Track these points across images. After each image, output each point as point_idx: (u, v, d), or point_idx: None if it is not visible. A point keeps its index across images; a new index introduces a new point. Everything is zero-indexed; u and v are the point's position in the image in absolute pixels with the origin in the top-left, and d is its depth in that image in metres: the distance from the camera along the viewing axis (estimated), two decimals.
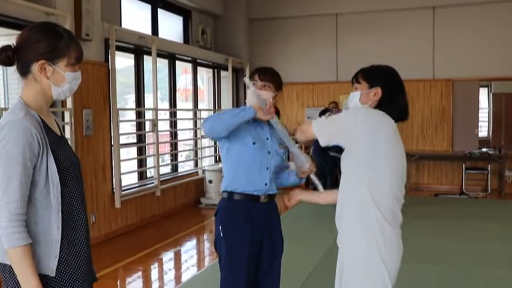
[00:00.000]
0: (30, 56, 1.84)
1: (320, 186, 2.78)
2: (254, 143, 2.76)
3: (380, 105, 2.32)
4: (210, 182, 8.60)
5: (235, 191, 2.79)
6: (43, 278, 1.77)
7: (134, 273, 5.28)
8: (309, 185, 9.35)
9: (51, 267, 1.80)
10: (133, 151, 7.79)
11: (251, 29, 11.01)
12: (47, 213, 1.81)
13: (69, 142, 5.61)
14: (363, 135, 2.20)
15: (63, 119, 5.70)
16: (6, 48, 1.85)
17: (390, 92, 2.32)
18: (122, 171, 6.66)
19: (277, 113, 2.99)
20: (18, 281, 1.77)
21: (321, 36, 10.59)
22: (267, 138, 2.85)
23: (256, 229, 2.79)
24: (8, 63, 1.86)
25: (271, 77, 2.87)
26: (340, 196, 2.36)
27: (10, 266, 1.77)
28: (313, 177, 2.86)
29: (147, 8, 8.38)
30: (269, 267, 2.86)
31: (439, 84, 10.00)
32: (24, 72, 1.88)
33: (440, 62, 9.93)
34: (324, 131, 2.31)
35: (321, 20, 10.61)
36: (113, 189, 6.59)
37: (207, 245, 6.50)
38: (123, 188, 6.71)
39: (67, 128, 5.67)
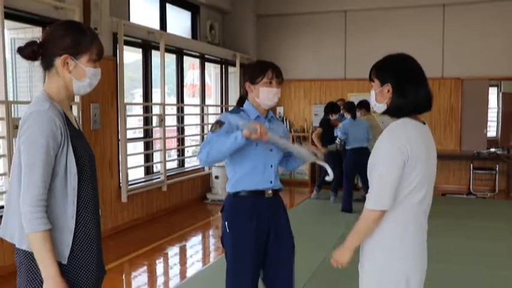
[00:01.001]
0: (55, 51, 1.93)
1: (329, 170, 2.81)
2: (257, 144, 2.76)
3: (392, 102, 2.17)
4: (217, 177, 8.60)
5: (239, 191, 2.84)
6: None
7: (140, 267, 5.29)
8: (315, 181, 9.34)
9: (64, 254, 1.87)
10: (140, 146, 7.80)
11: (259, 25, 10.98)
12: (63, 202, 1.88)
13: None
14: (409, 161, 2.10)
15: None
16: (32, 43, 1.94)
17: (400, 85, 2.15)
18: (129, 165, 6.68)
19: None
20: (32, 267, 1.85)
21: (329, 33, 10.55)
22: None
23: (261, 224, 2.81)
24: (33, 57, 1.94)
25: (281, 74, 2.91)
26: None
27: (25, 251, 1.85)
28: (321, 163, 2.87)
29: (155, 3, 8.38)
30: (276, 260, 2.88)
31: (448, 82, 9.94)
32: (48, 66, 1.96)
33: (449, 60, 9.87)
34: (384, 195, 2.09)
35: (330, 17, 10.57)
36: (119, 183, 6.60)
37: (213, 241, 6.51)
38: (129, 183, 6.72)
39: None
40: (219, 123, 2.75)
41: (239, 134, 2.57)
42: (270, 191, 2.85)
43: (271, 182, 2.84)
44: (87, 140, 2.12)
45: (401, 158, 2.08)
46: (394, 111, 2.20)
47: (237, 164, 2.83)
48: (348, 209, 7.52)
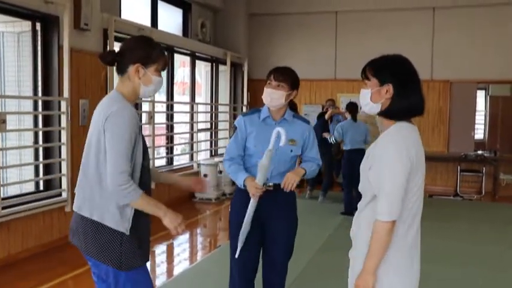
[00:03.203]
0: (129, 60, 2.34)
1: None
2: (255, 146, 3.06)
3: (393, 104, 2.10)
4: (205, 176, 8.58)
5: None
6: (119, 234, 2.29)
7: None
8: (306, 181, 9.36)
9: (125, 227, 2.30)
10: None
11: (250, 24, 10.98)
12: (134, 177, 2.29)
13: (65, 131, 5.62)
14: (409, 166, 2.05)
15: (59, 109, 5.67)
16: (112, 52, 2.41)
17: (402, 87, 2.09)
18: None
19: (294, 107, 3.21)
20: (98, 231, 2.29)
21: (320, 34, 10.58)
22: None
23: (257, 214, 3.03)
24: (111, 63, 2.38)
25: (284, 78, 3.08)
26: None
27: (93, 220, 2.29)
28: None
29: (147, 0, 8.34)
30: (271, 248, 3.16)
31: (437, 85, 10.02)
32: (122, 71, 2.37)
33: (438, 63, 9.94)
34: (395, 203, 2.01)
35: (321, 18, 10.60)
36: None
37: (200, 239, 6.50)
38: None
39: (63, 118, 5.65)
40: (234, 128, 3.12)
41: (242, 180, 3.01)
42: (268, 185, 3.06)
43: (267, 179, 3.03)
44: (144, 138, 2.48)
45: (409, 163, 2.03)
46: (393, 113, 2.13)
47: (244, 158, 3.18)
48: (349, 211, 7.16)
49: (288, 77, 3.08)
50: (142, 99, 7.59)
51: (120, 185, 2.19)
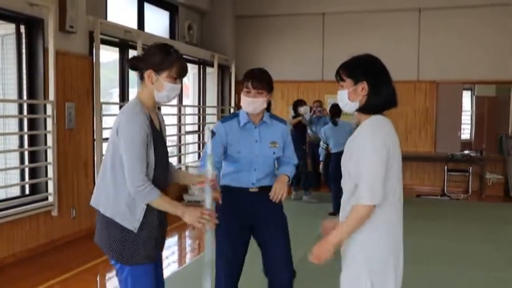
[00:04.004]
0: (144, 66, 2.45)
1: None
2: (239, 152, 3.08)
3: (369, 99, 2.23)
4: None
5: (226, 185, 3.16)
6: (127, 231, 2.41)
7: (114, 269, 5.22)
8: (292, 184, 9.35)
9: (134, 225, 2.41)
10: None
11: (238, 26, 10.97)
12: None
13: (51, 135, 5.57)
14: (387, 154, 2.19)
15: (45, 112, 5.62)
16: (134, 57, 2.58)
17: (376, 83, 2.23)
18: None
19: (268, 106, 3.20)
20: (108, 227, 2.44)
21: (307, 35, 10.60)
22: (256, 141, 3.10)
23: (245, 216, 3.12)
24: (134, 68, 2.51)
25: (263, 85, 3.06)
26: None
27: (107, 216, 2.44)
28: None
29: (133, 2, 8.31)
30: (266, 249, 3.16)
31: (424, 86, 10.08)
32: (141, 77, 2.48)
33: (425, 64, 10.01)
34: (376, 188, 2.14)
35: (308, 19, 10.62)
36: (94, 183, 6.50)
37: (189, 242, 6.48)
38: None
39: (49, 121, 5.60)
40: (212, 133, 3.00)
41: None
42: (255, 188, 3.11)
43: (252, 184, 3.11)
44: (164, 140, 2.60)
45: (386, 152, 2.16)
46: (371, 108, 2.26)
47: (226, 164, 3.18)
48: (338, 212, 7.34)
49: (265, 84, 3.06)
50: (123, 104, 7.58)
51: (138, 186, 2.32)
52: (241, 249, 3.18)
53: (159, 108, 2.72)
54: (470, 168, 9.65)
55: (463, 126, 10.51)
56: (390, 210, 2.26)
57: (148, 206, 2.42)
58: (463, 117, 10.40)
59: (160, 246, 2.63)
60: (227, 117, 3.24)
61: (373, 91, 2.23)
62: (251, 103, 3.04)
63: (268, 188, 3.08)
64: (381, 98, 2.24)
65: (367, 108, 2.26)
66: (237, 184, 3.13)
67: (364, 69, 2.26)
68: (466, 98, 11.29)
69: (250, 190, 3.11)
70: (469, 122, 11.76)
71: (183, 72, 2.48)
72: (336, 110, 7.57)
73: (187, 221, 2.48)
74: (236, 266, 3.18)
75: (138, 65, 2.48)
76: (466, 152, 9.93)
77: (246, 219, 3.13)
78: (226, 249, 3.14)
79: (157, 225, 2.52)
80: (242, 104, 3.09)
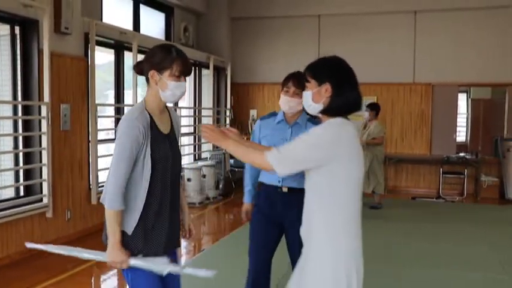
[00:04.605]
0: (147, 67, 2.45)
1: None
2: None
3: (332, 101, 2.22)
4: (189, 180, 8.54)
5: (261, 181, 3.39)
6: (122, 233, 2.39)
7: (109, 270, 5.20)
8: None
9: (129, 227, 2.40)
10: (112, 147, 7.68)
11: (233, 28, 10.97)
12: (137, 188, 2.39)
13: (46, 136, 5.55)
14: (342, 152, 2.16)
15: (39, 113, 5.60)
16: (139, 62, 2.53)
17: (339, 85, 2.22)
18: (100, 167, 6.57)
19: None
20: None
21: (303, 37, 10.61)
22: (286, 140, 3.14)
23: (275, 214, 3.29)
24: (140, 73, 2.50)
25: (302, 87, 3.12)
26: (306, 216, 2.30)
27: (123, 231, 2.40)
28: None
29: (129, 4, 8.30)
30: (289, 249, 3.33)
31: (419, 88, 10.10)
32: (146, 79, 2.48)
33: (420, 66, 10.03)
34: (287, 159, 2.16)
35: (304, 21, 10.63)
36: (89, 185, 6.50)
37: (184, 243, 6.45)
38: (100, 185, 6.62)
39: (43, 122, 5.58)
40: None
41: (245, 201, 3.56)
42: (284, 188, 3.24)
43: (279, 182, 3.23)
44: (171, 142, 2.54)
45: (325, 147, 2.15)
46: (333, 110, 2.25)
47: None
48: None
49: (303, 86, 3.14)
50: (126, 103, 7.56)
51: (107, 191, 2.35)
52: (269, 245, 3.35)
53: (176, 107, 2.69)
54: (466, 170, 9.67)
55: (458, 129, 10.53)
56: (344, 214, 2.21)
57: (147, 205, 2.41)
58: (458, 120, 10.42)
59: (166, 248, 2.55)
60: (266, 115, 3.47)
61: (336, 93, 2.22)
62: (287, 102, 3.20)
63: (297, 191, 3.03)
64: (343, 100, 2.23)
65: (329, 111, 2.25)
66: (268, 181, 3.30)
67: (329, 71, 2.26)
68: (462, 100, 11.32)
69: (280, 190, 3.25)
70: (465, 124, 11.79)
71: (185, 70, 2.46)
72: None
73: (107, 254, 2.40)
74: (262, 262, 3.36)
75: (142, 68, 2.48)
76: (462, 154, 9.95)
77: (276, 217, 3.29)
78: (255, 242, 3.36)
79: (161, 227, 2.49)
80: (280, 102, 3.26)
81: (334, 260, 2.18)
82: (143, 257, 2.42)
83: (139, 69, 2.51)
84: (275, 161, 2.16)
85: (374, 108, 8.21)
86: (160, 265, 2.43)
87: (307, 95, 2.30)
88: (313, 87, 2.27)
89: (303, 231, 2.33)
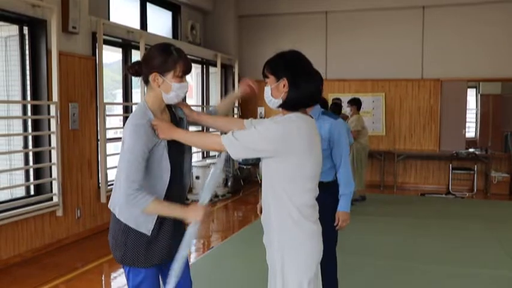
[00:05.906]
0: (148, 69, 2.37)
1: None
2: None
3: (289, 96, 2.26)
4: (197, 178, 8.56)
5: None
6: (140, 234, 2.36)
7: (119, 268, 5.23)
8: None
9: (148, 228, 2.37)
10: (120, 146, 7.72)
11: (240, 26, 10.97)
12: (152, 190, 2.33)
13: (55, 136, 5.58)
14: (297, 144, 2.20)
15: (48, 113, 5.63)
16: (136, 63, 2.43)
17: (295, 80, 2.25)
18: (108, 166, 6.60)
19: (324, 104, 3.52)
20: (120, 231, 2.38)
21: (310, 34, 10.58)
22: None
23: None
24: (136, 74, 2.43)
25: None
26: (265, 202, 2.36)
27: (121, 221, 2.37)
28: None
29: (136, 2, 8.31)
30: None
31: (428, 83, 10.04)
32: (145, 81, 2.42)
33: (429, 62, 9.97)
34: (235, 144, 2.21)
35: (311, 18, 10.61)
36: (98, 184, 6.53)
37: (194, 241, 6.47)
38: (109, 183, 6.65)
39: (52, 122, 5.61)
40: None
41: None
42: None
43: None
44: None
45: (275, 141, 2.17)
46: (290, 104, 2.28)
47: None
48: None
49: None
50: (134, 102, 7.59)
51: (129, 195, 2.26)
52: None
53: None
54: (475, 166, 9.61)
55: (467, 124, 10.47)
56: (300, 201, 2.27)
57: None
58: (467, 115, 10.35)
59: (168, 253, 2.48)
60: None
61: (292, 87, 2.25)
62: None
63: (323, 184, 2.80)
64: (299, 94, 2.25)
65: (286, 105, 2.29)
66: None
67: (286, 65, 2.28)
68: (471, 96, 11.26)
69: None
70: (474, 120, 11.73)
71: (187, 69, 2.41)
72: (335, 107, 7.57)
73: (191, 219, 2.38)
74: None
75: (139, 70, 2.40)
76: (471, 150, 9.90)
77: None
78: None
79: (166, 229, 2.46)
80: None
81: (303, 239, 2.27)
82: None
83: (134, 70, 2.42)
84: (229, 143, 2.22)
85: (355, 103, 8.42)
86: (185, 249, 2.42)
87: (267, 90, 2.33)
88: (272, 83, 2.31)
89: (263, 219, 2.40)
